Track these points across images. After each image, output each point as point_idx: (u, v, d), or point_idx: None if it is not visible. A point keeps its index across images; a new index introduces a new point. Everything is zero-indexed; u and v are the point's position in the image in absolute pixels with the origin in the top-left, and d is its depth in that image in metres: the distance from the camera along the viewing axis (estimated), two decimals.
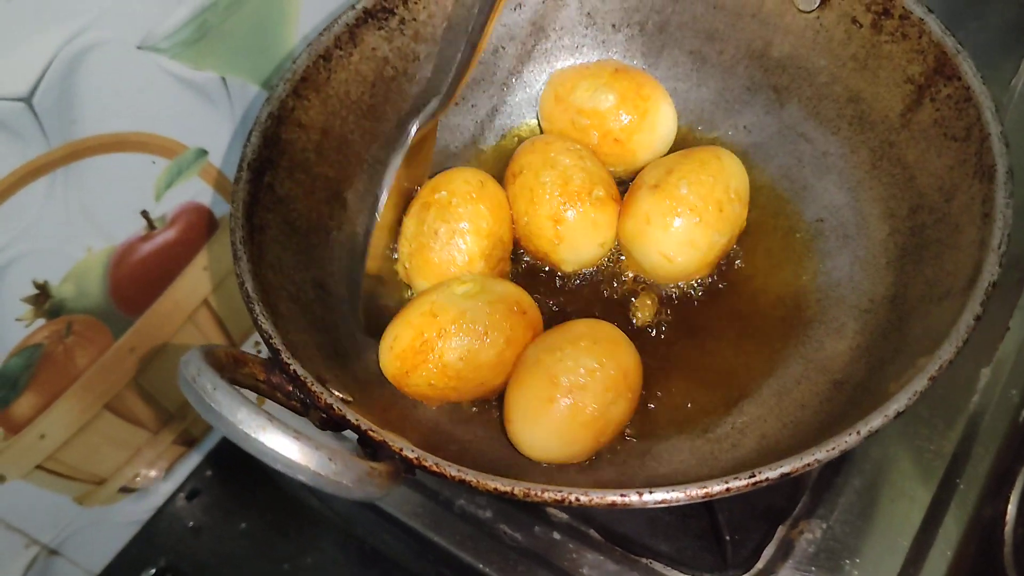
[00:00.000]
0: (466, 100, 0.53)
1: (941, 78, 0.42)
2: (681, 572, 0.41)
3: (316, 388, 0.34)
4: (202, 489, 0.68)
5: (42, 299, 0.51)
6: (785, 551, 0.41)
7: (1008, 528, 0.44)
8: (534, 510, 0.44)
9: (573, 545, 0.43)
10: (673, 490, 0.30)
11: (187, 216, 0.58)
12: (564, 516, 0.44)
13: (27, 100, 0.45)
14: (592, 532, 0.43)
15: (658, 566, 0.42)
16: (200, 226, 0.59)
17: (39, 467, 0.57)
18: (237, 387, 0.31)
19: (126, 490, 0.64)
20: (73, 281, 0.53)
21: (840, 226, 0.47)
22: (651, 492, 0.30)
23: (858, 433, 0.31)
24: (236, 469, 0.69)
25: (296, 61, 0.46)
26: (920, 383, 0.32)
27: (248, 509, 0.67)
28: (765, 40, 0.50)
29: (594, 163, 0.49)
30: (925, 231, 0.42)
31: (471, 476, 0.31)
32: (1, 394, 0.52)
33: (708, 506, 0.42)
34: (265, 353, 0.37)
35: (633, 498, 0.30)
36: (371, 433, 0.32)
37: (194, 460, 0.68)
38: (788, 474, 0.31)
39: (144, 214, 0.55)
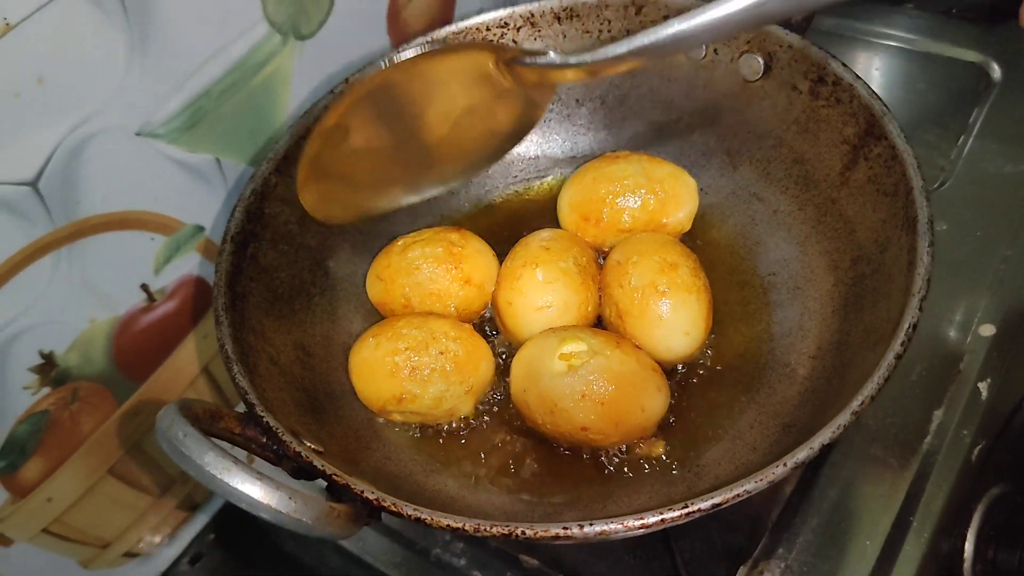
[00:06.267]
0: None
1: (872, 138, 0.45)
2: None
3: (286, 438, 0.36)
4: (205, 553, 0.70)
5: (48, 368, 0.55)
6: None
7: (967, 564, 0.45)
8: (506, 557, 0.46)
9: None
10: (610, 522, 0.32)
11: (185, 289, 0.61)
12: (535, 562, 0.46)
13: (33, 184, 0.49)
14: None
15: None
16: (198, 298, 0.63)
17: (45, 530, 0.59)
18: (213, 438, 0.34)
19: (130, 555, 0.66)
20: (78, 350, 0.56)
21: (791, 279, 0.49)
22: (591, 524, 0.33)
23: (784, 465, 0.33)
24: (238, 533, 0.71)
25: (279, 142, 0.50)
26: (844, 418, 0.34)
27: (250, 572, 0.69)
28: (717, 108, 0.53)
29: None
30: (864, 281, 0.44)
31: (425, 514, 0.33)
32: (9, 460, 0.55)
33: (668, 547, 0.43)
34: None
35: (574, 531, 0.33)
36: (335, 477, 0.35)
37: (197, 525, 0.70)
38: (719, 504, 0.33)
39: (144, 287, 0.59)
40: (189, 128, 0.56)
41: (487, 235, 0.52)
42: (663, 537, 0.44)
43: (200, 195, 0.59)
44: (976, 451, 0.46)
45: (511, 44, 0.51)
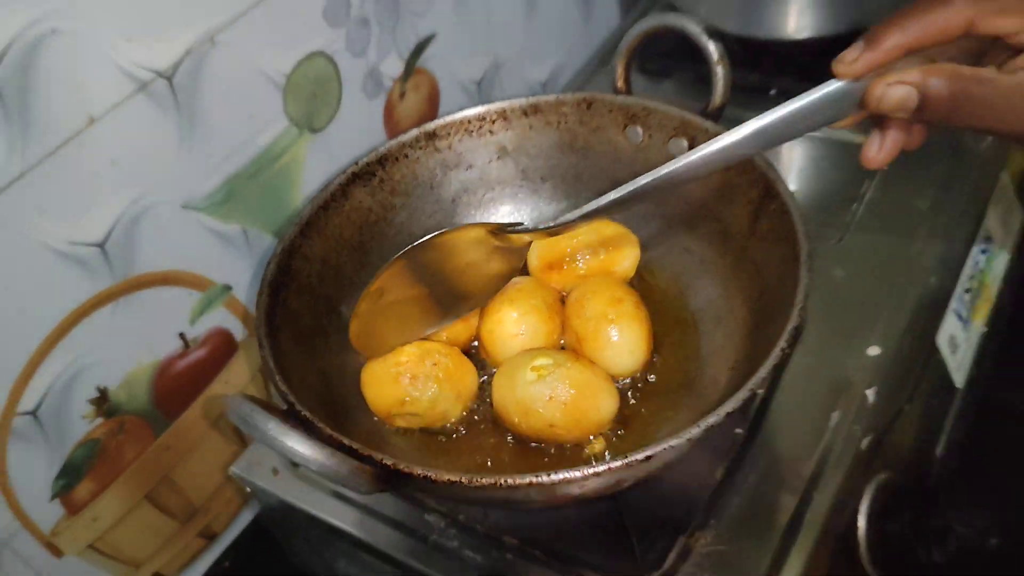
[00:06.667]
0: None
1: (769, 198, 0.58)
2: (597, 573, 0.53)
3: (320, 425, 0.47)
4: None
5: (102, 401, 0.65)
6: (684, 556, 0.53)
7: (861, 533, 0.56)
8: (492, 539, 0.56)
9: (522, 563, 0.55)
10: (568, 471, 0.43)
11: (214, 339, 0.72)
12: (515, 541, 0.56)
13: (101, 246, 0.61)
14: (537, 552, 0.55)
15: (589, 574, 0.54)
16: (224, 348, 0.73)
17: (90, 546, 0.68)
18: None
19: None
20: (126, 387, 0.66)
21: (715, 312, 0.62)
22: (555, 473, 0.43)
23: (683, 438, 0.45)
24: (250, 562, 0.80)
25: (303, 210, 0.63)
26: (733, 404, 0.46)
27: None
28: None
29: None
30: (769, 308, 0.56)
31: (431, 472, 0.44)
32: (67, 480, 0.64)
33: (622, 524, 0.54)
34: None
35: (543, 479, 0.43)
36: (360, 450, 0.46)
37: (215, 552, 0.79)
38: (631, 464, 0.44)
39: (181, 335, 0.69)
40: (223, 203, 0.68)
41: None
42: (618, 517, 0.54)
43: (229, 259, 0.70)
44: (865, 444, 0.57)
45: (497, 222, 0.66)
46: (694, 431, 0.44)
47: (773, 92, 0.53)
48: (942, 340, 0.65)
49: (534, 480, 0.43)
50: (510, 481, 0.44)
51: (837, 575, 0.55)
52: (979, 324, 0.69)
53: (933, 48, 0.43)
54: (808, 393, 0.60)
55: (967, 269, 0.68)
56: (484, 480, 0.44)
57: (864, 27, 0.45)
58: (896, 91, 0.43)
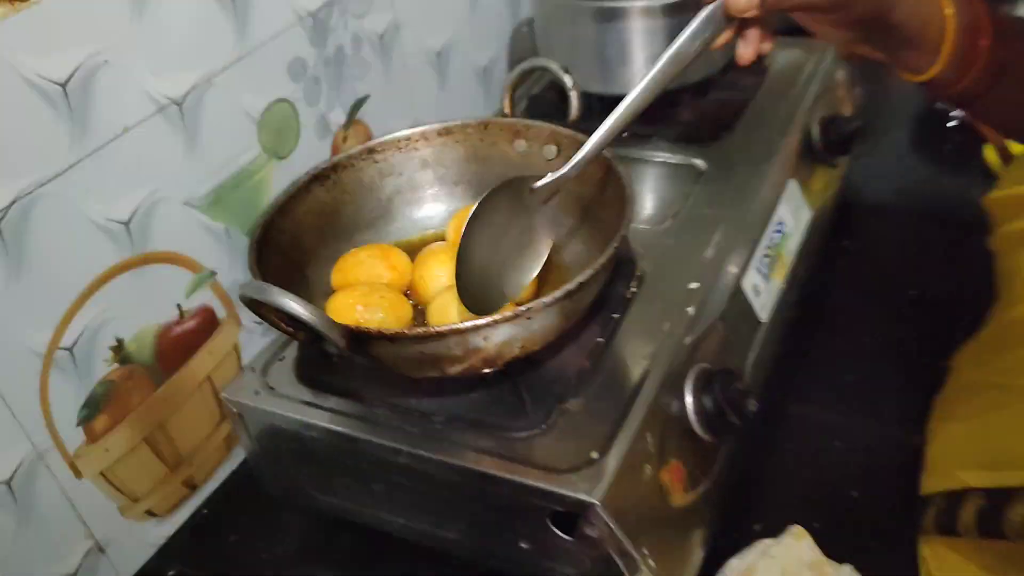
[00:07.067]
0: (376, 228, 0.93)
1: (610, 174, 0.83)
2: (502, 431, 0.73)
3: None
4: (200, 524, 0.95)
5: (119, 349, 0.83)
6: (561, 415, 0.75)
7: (688, 404, 0.78)
8: (425, 416, 0.76)
9: (447, 430, 0.75)
10: (461, 324, 0.65)
11: (203, 314, 0.92)
12: (441, 417, 0.76)
13: (127, 224, 0.82)
14: (456, 422, 0.76)
15: (499, 432, 0.74)
16: (210, 322, 0.93)
17: (102, 473, 0.85)
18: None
19: (151, 514, 0.91)
20: (136, 342, 0.85)
21: (580, 261, 0.85)
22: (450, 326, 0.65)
23: (556, 298, 0.67)
24: (228, 511, 0.96)
25: (279, 197, 0.85)
26: (588, 271, 0.69)
27: (236, 540, 0.94)
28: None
29: None
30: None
31: (385, 330, 0.65)
32: (88, 411, 0.82)
33: (518, 392, 0.76)
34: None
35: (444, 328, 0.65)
36: (332, 318, 0.67)
37: (196, 501, 0.96)
38: (517, 315, 0.66)
39: (178, 307, 0.89)
40: (212, 205, 0.90)
41: (406, 250, 0.88)
42: (516, 390, 0.76)
43: (216, 249, 0.91)
44: (687, 342, 0.80)
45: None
46: (557, 294, 0.67)
47: (625, 135, 0.76)
48: (746, 285, 0.89)
49: (453, 327, 0.65)
50: (438, 329, 0.65)
51: (676, 435, 0.77)
52: (778, 281, 0.94)
53: None
54: (648, 313, 0.83)
55: (764, 240, 0.93)
56: (419, 330, 0.65)
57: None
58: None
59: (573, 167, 0.74)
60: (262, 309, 0.67)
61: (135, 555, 0.88)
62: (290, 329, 0.70)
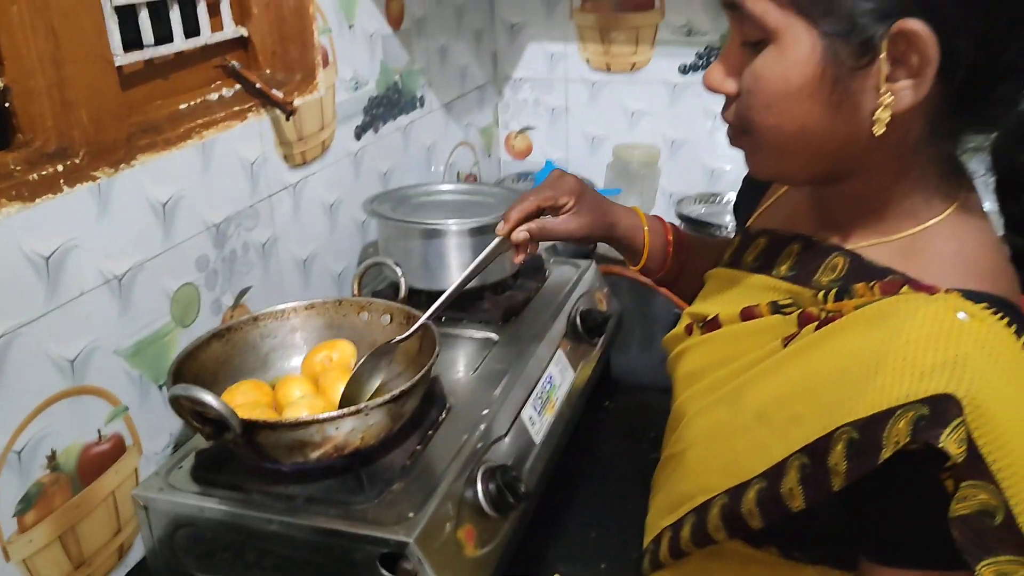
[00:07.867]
0: (256, 374, 1.25)
1: (424, 331, 1.21)
2: (346, 504, 1.04)
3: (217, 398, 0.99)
4: None
5: (52, 459, 1.09)
6: (388, 491, 1.07)
7: (478, 488, 1.11)
8: (291, 498, 1.06)
9: (305, 506, 1.06)
10: (317, 416, 0.98)
11: (115, 439, 1.17)
12: (305, 494, 1.06)
13: (72, 362, 1.11)
14: (316, 498, 1.06)
15: (343, 504, 1.05)
16: (119, 448, 1.20)
17: (23, 560, 1.05)
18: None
19: None
20: (65, 455, 1.10)
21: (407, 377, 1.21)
22: (317, 416, 0.98)
23: (381, 402, 1.02)
24: None
25: (188, 346, 1.17)
26: (406, 386, 1.04)
27: None
28: None
29: None
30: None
31: (267, 419, 0.97)
32: (23, 505, 1.05)
33: (359, 475, 1.07)
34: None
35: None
36: (235, 410, 0.98)
37: None
38: (353, 412, 1.00)
39: (98, 431, 1.16)
40: (133, 356, 1.20)
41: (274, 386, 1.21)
42: (358, 474, 1.08)
43: (131, 390, 1.19)
44: (479, 447, 1.16)
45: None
46: (386, 397, 1.02)
47: (443, 318, 1.12)
48: (525, 416, 1.27)
49: (315, 417, 0.98)
50: (305, 419, 0.98)
51: (469, 508, 1.10)
52: (549, 416, 1.32)
53: (548, 204, 1.12)
54: (452, 431, 1.16)
55: (538, 388, 1.32)
56: (291, 419, 0.98)
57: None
58: (521, 232, 1.10)
59: (413, 331, 1.13)
60: (182, 409, 0.98)
61: None
62: (198, 424, 1.01)
